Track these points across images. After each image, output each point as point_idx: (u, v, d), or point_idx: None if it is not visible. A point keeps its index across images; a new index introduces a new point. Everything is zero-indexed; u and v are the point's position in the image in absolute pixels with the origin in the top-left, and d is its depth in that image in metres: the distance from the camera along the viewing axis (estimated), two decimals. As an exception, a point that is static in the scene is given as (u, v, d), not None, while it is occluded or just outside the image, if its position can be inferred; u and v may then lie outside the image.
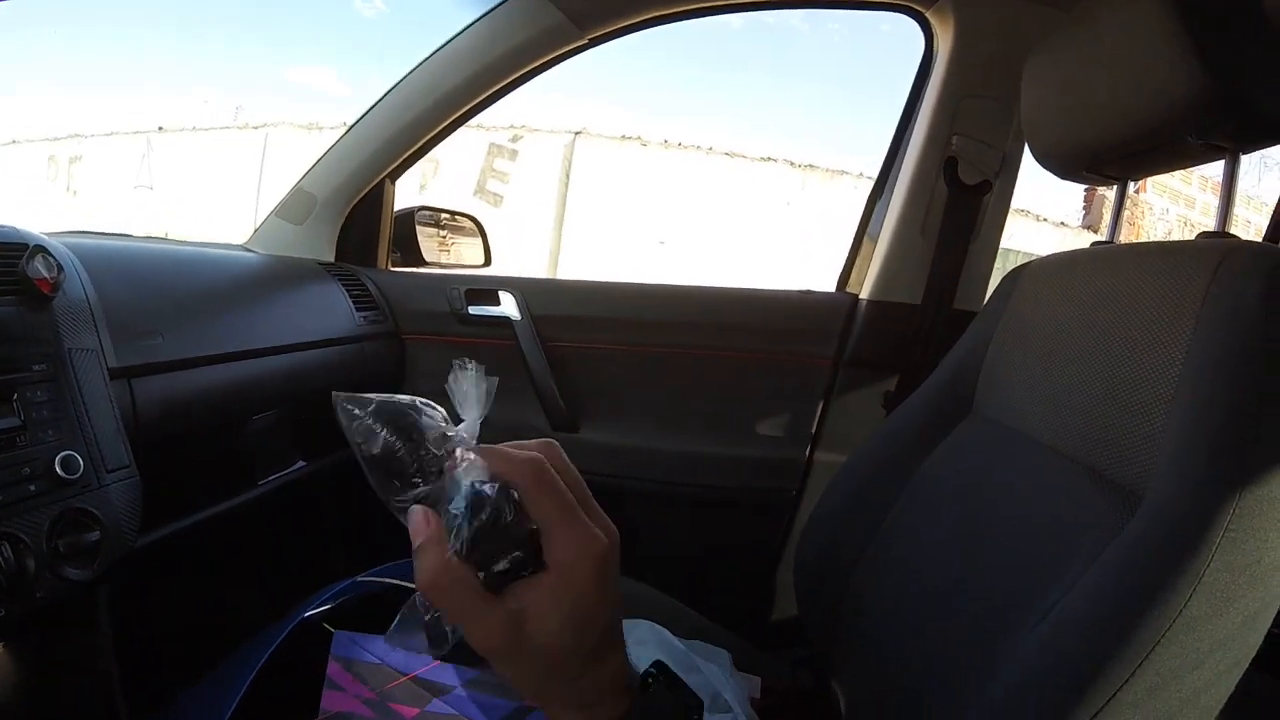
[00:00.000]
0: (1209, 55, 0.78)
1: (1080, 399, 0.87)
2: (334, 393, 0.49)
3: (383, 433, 0.49)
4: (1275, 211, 1.56)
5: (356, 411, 0.49)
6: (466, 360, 0.51)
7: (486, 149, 12.66)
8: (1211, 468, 0.68)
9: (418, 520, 0.48)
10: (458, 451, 0.49)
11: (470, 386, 0.51)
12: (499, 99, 1.61)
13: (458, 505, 0.47)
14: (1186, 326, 0.76)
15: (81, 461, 0.84)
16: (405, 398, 0.51)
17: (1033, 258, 1.13)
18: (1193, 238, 0.90)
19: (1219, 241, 0.84)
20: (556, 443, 0.52)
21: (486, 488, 0.47)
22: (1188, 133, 0.85)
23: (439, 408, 0.52)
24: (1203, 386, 0.72)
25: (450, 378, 0.50)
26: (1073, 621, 0.70)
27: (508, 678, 0.48)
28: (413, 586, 0.48)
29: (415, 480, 0.50)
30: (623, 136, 12.62)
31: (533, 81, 1.63)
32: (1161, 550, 0.68)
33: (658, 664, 0.56)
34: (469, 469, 0.48)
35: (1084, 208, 13.46)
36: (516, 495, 0.47)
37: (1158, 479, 0.72)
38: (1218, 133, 0.85)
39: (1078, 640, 0.69)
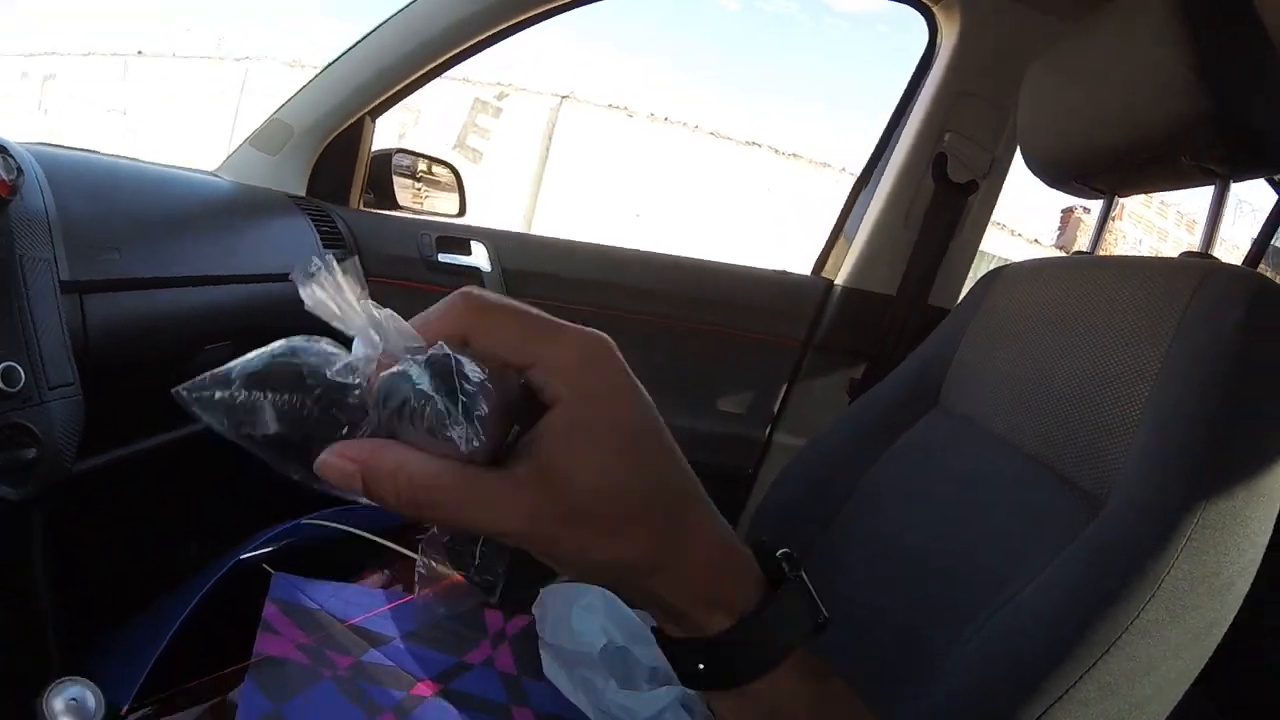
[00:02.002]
0: (1211, 78, 0.79)
1: (1049, 401, 0.88)
2: (174, 390, 0.36)
3: (268, 399, 0.34)
4: (1256, 239, 1.58)
5: (219, 395, 0.35)
6: (313, 262, 0.35)
7: (471, 103, 12.53)
8: (1179, 479, 0.69)
9: (335, 457, 0.33)
10: (378, 358, 0.35)
11: (334, 292, 0.35)
12: (489, 45, 1.57)
13: (405, 394, 0.33)
14: (1163, 340, 0.77)
15: (23, 374, 0.80)
16: (266, 349, 0.36)
17: (1008, 262, 1.13)
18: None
19: (1201, 261, 0.85)
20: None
21: (431, 353, 0.33)
22: (1182, 153, 0.86)
23: (318, 338, 0.36)
24: (1175, 400, 0.73)
25: (305, 295, 0.35)
26: (1029, 618, 0.71)
27: (574, 570, 0.36)
28: (356, 531, 0.39)
29: (343, 434, 0.35)
30: (609, 105, 12.55)
31: (524, 40, 1.59)
32: (1123, 554, 0.68)
33: (787, 556, 0.41)
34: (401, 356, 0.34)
35: (1059, 228, 13.63)
36: (469, 349, 0.34)
37: (1123, 485, 0.73)
38: (1211, 156, 0.86)
39: (1033, 636, 0.69)
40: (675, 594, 0.37)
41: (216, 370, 0.35)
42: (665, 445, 0.37)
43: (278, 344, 0.36)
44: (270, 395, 0.34)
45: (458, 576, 0.40)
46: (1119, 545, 0.69)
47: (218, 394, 0.35)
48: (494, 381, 0.33)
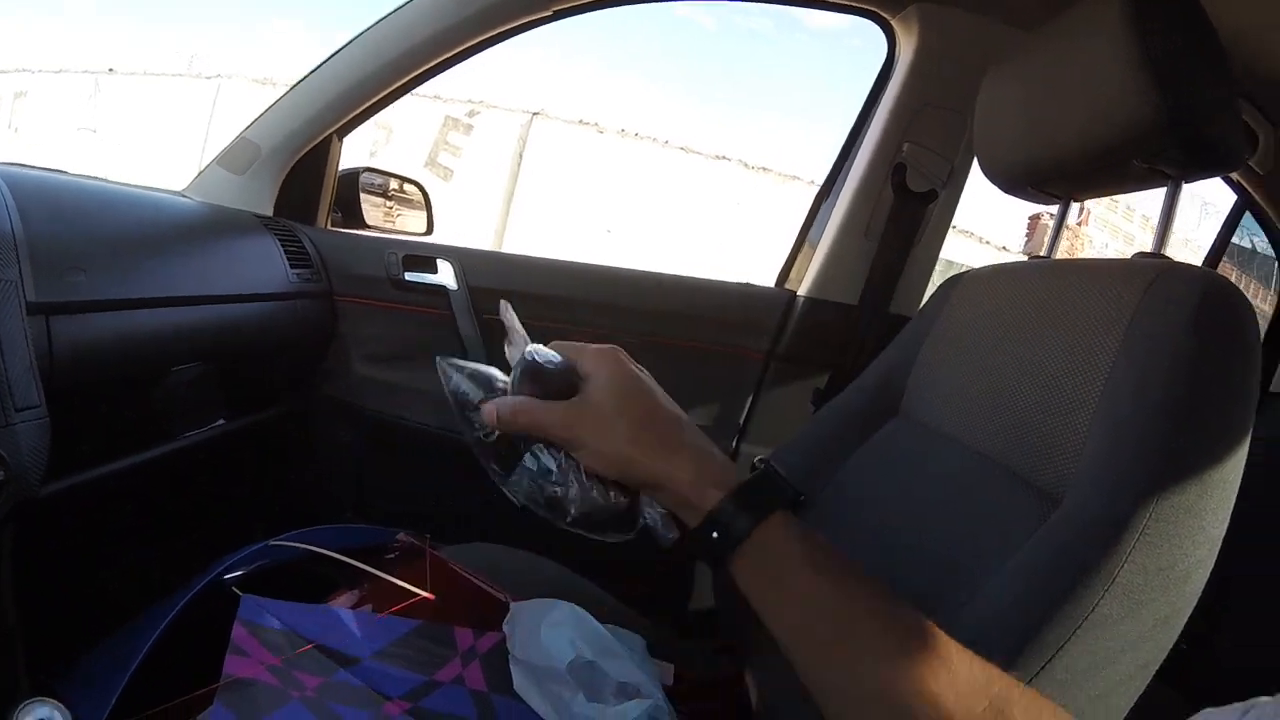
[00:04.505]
0: (1161, 83, 0.80)
1: (1007, 404, 0.89)
2: (438, 358, 0.69)
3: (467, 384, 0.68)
4: (1216, 238, 1.61)
5: (454, 380, 0.68)
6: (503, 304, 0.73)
7: (442, 121, 12.51)
8: (1131, 474, 0.70)
9: (486, 408, 0.65)
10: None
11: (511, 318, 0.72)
12: (457, 63, 1.58)
13: (519, 371, 0.67)
14: (1115, 339, 0.78)
15: (-12, 396, 0.80)
16: (485, 370, 0.70)
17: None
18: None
19: (1154, 261, 0.87)
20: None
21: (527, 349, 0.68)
22: (1134, 156, 0.87)
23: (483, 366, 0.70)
24: (1127, 397, 0.74)
25: (505, 317, 0.72)
26: (985, 616, 0.72)
27: (594, 457, 0.62)
28: (324, 552, 0.50)
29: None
30: (580, 121, 12.56)
31: (494, 57, 1.60)
32: (1077, 550, 0.70)
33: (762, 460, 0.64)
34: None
35: (1027, 234, 13.75)
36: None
37: (1077, 482, 0.74)
38: (1163, 158, 0.87)
39: (989, 633, 0.70)
40: (674, 479, 0.60)
41: (477, 368, 0.70)
42: (650, 392, 0.65)
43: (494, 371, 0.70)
44: (469, 381, 0.69)
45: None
46: (1072, 541, 0.71)
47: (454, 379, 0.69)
48: (560, 366, 0.66)
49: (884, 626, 0.55)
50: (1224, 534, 0.72)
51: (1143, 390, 0.73)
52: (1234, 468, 0.72)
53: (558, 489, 0.64)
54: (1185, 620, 0.73)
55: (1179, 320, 0.74)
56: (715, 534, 0.58)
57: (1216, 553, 0.72)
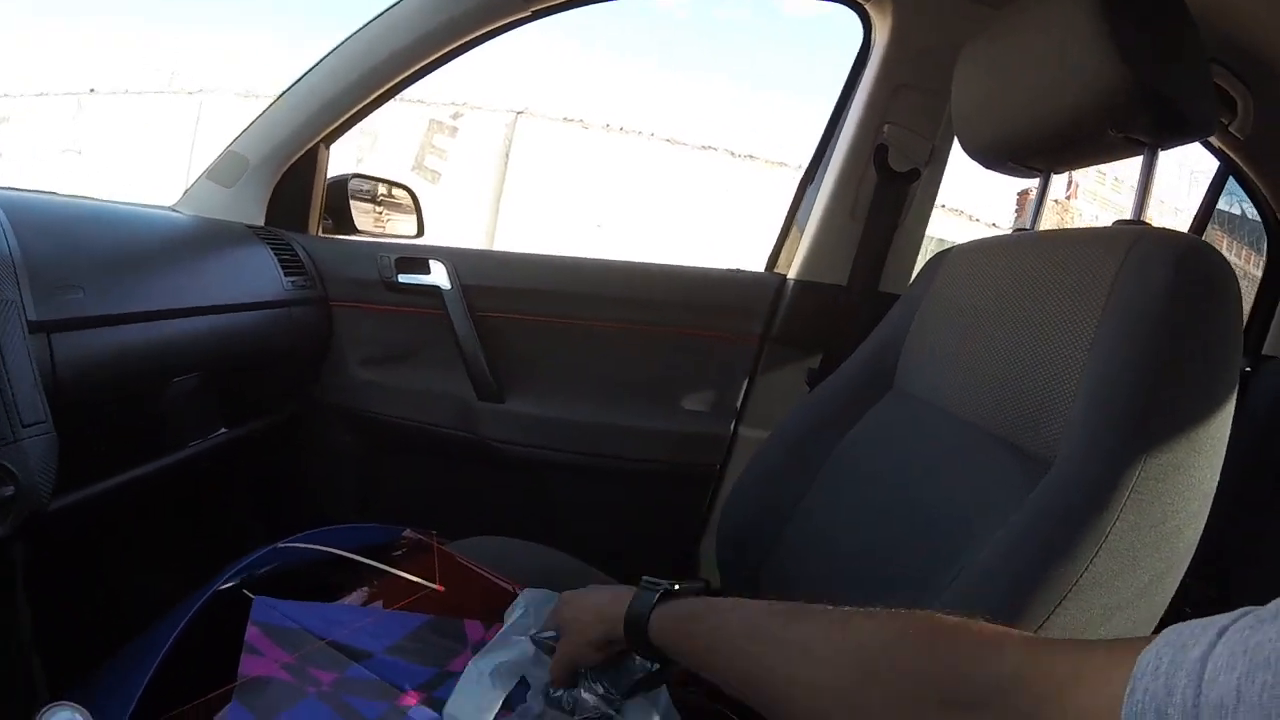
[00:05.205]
0: (1130, 53, 0.81)
1: (996, 374, 0.91)
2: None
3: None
4: (1201, 205, 1.62)
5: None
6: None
7: (426, 125, 12.46)
8: (1118, 433, 0.72)
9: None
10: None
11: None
12: (438, 67, 1.59)
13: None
14: (1098, 304, 0.79)
15: (-4, 415, 0.82)
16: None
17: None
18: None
19: (1133, 227, 0.88)
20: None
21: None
22: (1107, 126, 0.88)
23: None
24: (1111, 359, 0.75)
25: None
26: (980, 579, 0.73)
27: (575, 645, 0.80)
28: (333, 550, 0.51)
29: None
30: (564, 118, 12.52)
31: (476, 58, 1.61)
32: (1067, 510, 0.71)
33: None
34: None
35: (1016, 210, 13.71)
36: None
37: (1066, 444, 0.76)
38: (1136, 127, 0.88)
39: (984, 596, 0.72)
40: (607, 627, 0.77)
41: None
42: (575, 596, 0.85)
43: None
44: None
45: None
46: (1063, 502, 0.72)
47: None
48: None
49: (782, 625, 0.62)
50: (1214, 489, 0.74)
51: (1127, 350, 0.75)
52: (1222, 423, 0.73)
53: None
54: (1180, 577, 0.74)
55: (1159, 281, 0.75)
56: (636, 645, 0.75)
57: (1209, 507, 0.74)
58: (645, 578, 0.76)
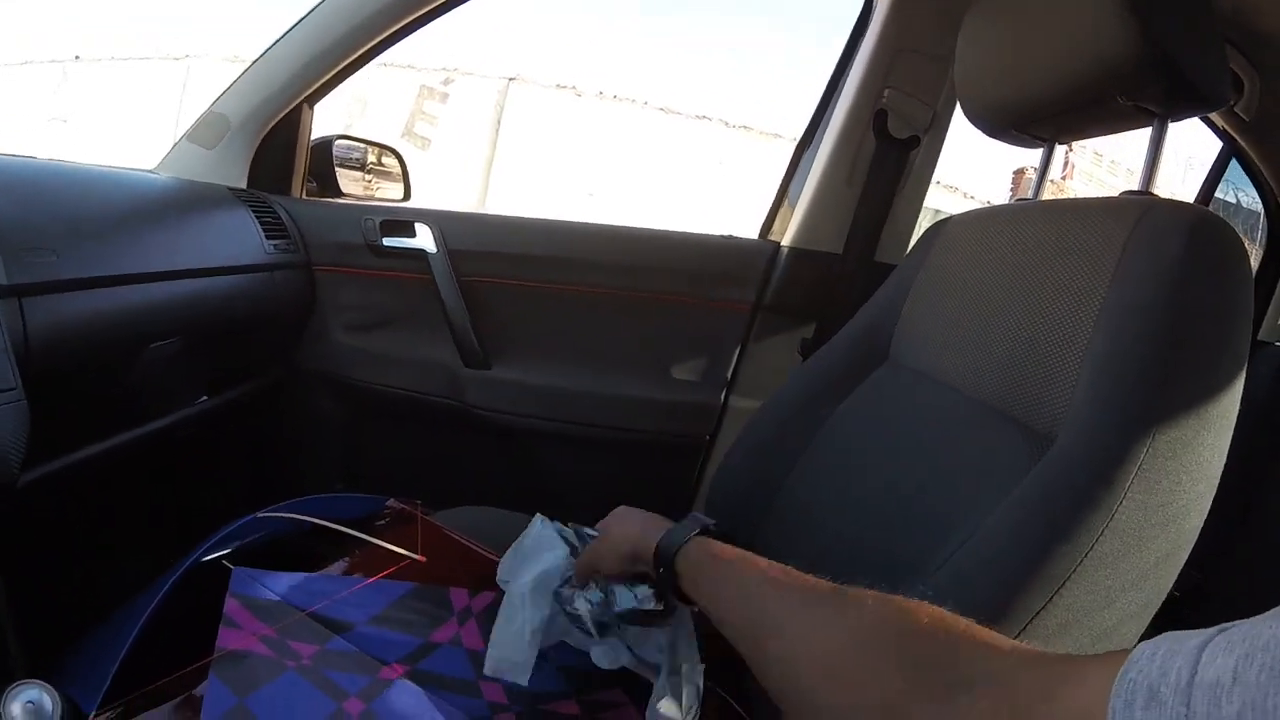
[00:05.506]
0: (1142, 17, 0.79)
1: (997, 346, 0.89)
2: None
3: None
4: (1203, 184, 1.61)
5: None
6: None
7: (417, 91, 12.37)
8: (1127, 409, 0.70)
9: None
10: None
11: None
12: (425, 24, 1.54)
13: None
14: (1105, 276, 0.77)
15: (-37, 380, 0.79)
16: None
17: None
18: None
19: (1141, 198, 0.86)
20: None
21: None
22: (1116, 93, 0.86)
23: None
24: (1119, 333, 0.73)
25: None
26: (981, 556, 0.71)
27: (607, 548, 0.83)
28: (314, 520, 0.50)
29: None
30: (557, 85, 12.44)
31: (468, 23, 1.58)
32: (1074, 488, 0.69)
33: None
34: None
35: (1011, 188, 13.73)
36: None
37: (1070, 421, 0.73)
38: (1146, 95, 0.86)
39: (986, 574, 0.70)
40: (637, 545, 0.79)
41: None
42: (632, 518, 0.86)
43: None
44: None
45: None
46: (1069, 479, 0.70)
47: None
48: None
49: (800, 600, 0.62)
50: (1220, 471, 0.72)
51: (1135, 322, 0.73)
52: (1230, 402, 0.71)
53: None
54: (1184, 560, 0.72)
55: (1169, 253, 0.73)
56: (661, 569, 0.76)
57: (1214, 491, 0.72)
58: (693, 513, 0.79)
